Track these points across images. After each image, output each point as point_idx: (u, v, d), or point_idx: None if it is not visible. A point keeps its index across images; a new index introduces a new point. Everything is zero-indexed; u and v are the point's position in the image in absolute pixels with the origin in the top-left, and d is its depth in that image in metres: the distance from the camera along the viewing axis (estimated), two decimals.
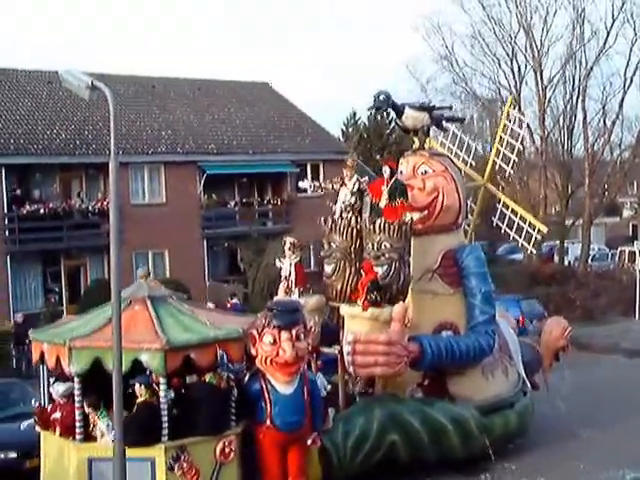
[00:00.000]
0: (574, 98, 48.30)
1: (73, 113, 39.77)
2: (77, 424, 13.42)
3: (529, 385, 17.97)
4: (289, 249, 17.22)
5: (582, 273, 46.00)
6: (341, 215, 17.03)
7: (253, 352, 13.89)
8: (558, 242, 50.36)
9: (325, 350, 16.34)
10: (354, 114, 63.55)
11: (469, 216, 20.57)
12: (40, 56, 69.94)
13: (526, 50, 48.69)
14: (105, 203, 36.71)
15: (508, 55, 49.22)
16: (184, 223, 39.35)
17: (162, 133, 41.30)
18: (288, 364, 13.70)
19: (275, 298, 17.03)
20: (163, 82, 45.61)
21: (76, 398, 13.46)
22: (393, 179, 16.84)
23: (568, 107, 48.45)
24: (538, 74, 48.41)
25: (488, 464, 16.48)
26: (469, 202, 20.15)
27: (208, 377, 13.75)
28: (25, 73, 41.65)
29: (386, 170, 16.92)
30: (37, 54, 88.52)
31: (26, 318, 30.93)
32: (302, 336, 13.85)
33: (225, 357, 14.28)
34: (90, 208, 37.99)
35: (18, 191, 36.63)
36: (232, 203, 43.09)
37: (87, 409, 13.43)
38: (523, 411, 17.37)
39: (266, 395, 13.85)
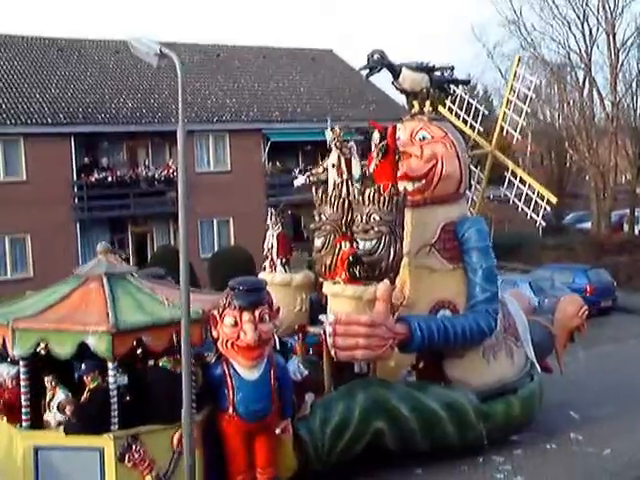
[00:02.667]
0: None
1: (139, 82, 39.09)
2: (23, 410, 11.98)
3: (539, 368, 15.78)
4: (276, 217, 15.57)
5: None
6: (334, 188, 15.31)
7: (214, 334, 12.26)
8: (628, 211, 47.24)
9: (311, 329, 14.60)
10: None
11: (477, 186, 18.49)
12: (107, 26, 69.45)
13: (598, 12, 45.09)
14: (171, 171, 36.15)
15: (579, 18, 45.64)
16: (248, 191, 38.25)
17: (227, 101, 40.15)
18: (250, 348, 11.98)
19: (261, 275, 15.33)
20: (228, 50, 44.36)
21: (22, 383, 11.98)
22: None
23: None
24: (611, 37, 44.85)
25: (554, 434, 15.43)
26: (477, 171, 18.07)
27: (162, 362, 12.19)
28: (92, 43, 40.96)
29: (375, 135, 14.95)
30: (104, 24, 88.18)
31: None
32: (266, 317, 12.14)
33: None
34: (156, 176, 37.43)
35: (86, 159, 36.24)
36: (296, 170, 41.64)
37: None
38: (528, 396, 15.17)
39: (229, 381, 12.19)
